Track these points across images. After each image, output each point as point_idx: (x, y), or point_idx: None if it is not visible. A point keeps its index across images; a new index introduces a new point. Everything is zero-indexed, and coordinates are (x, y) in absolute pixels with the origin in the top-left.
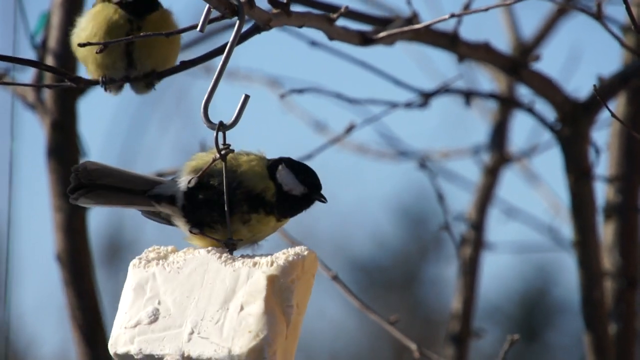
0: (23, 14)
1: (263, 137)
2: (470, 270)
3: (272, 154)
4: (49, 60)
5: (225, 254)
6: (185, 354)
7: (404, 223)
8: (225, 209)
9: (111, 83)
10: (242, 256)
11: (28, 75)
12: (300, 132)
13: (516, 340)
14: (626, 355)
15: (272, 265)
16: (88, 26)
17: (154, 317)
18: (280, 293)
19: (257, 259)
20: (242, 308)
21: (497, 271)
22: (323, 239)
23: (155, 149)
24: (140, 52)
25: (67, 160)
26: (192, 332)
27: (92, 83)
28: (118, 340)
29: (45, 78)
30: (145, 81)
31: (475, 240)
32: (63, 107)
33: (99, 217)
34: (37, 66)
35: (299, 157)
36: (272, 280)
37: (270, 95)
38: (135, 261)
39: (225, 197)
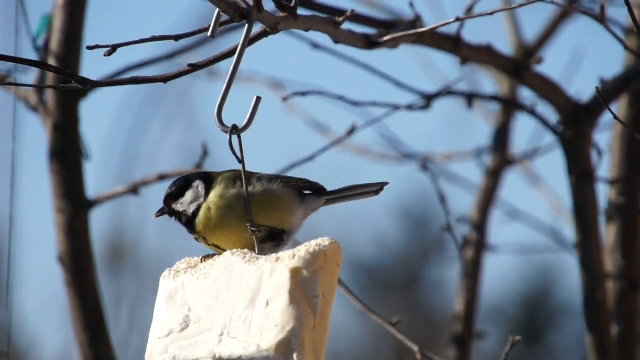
0: (25, 16)
1: (266, 139)
2: (472, 272)
3: (275, 156)
4: (51, 63)
5: (249, 254)
6: (217, 356)
7: (406, 225)
8: (247, 207)
9: None
10: (266, 254)
11: (30, 77)
12: (302, 134)
13: (518, 341)
14: (628, 356)
15: (294, 258)
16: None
17: (185, 324)
18: (305, 285)
19: (279, 254)
20: (267, 304)
21: (499, 273)
22: None
23: (157, 150)
24: None
25: (69, 162)
26: (222, 334)
27: (98, 84)
28: (153, 351)
29: (47, 80)
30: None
31: (478, 242)
32: (65, 109)
33: (101, 219)
34: (42, 67)
35: (301, 159)
36: (295, 273)
37: (273, 98)
38: (165, 273)
39: (246, 198)
